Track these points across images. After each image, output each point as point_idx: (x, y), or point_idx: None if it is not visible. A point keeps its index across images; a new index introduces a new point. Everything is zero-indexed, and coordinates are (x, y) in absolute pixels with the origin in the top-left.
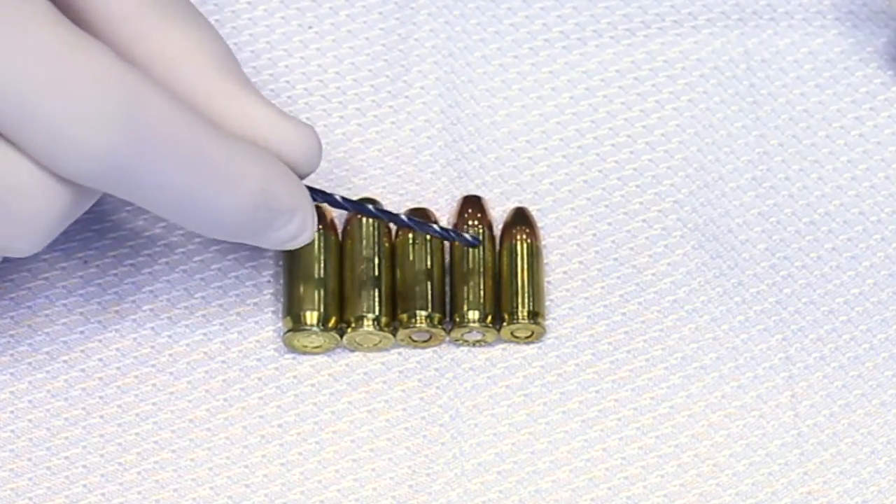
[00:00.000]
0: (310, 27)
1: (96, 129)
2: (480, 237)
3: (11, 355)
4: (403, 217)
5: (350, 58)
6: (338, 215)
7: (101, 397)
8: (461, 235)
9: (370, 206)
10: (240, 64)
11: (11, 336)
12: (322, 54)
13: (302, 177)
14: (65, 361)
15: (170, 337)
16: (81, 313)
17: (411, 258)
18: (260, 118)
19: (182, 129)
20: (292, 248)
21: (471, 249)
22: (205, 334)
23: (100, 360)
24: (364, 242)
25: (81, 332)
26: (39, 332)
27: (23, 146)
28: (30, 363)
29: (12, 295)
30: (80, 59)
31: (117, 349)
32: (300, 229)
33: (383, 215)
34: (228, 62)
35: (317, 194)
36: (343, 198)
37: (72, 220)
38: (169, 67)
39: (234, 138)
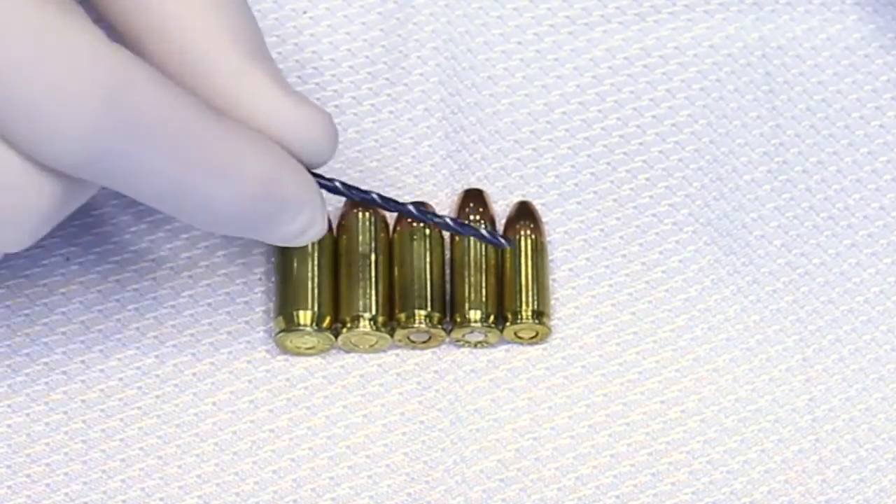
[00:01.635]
0: (304, 12)
1: (81, 113)
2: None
3: None
4: (412, 208)
5: (346, 44)
6: (332, 210)
7: (83, 401)
8: (496, 237)
9: (375, 196)
10: (262, 38)
11: None
12: (317, 41)
13: (311, 167)
14: (45, 363)
15: (156, 337)
16: (63, 313)
17: (410, 254)
18: (266, 101)
19: (172, 115)
20: (301, 244)
21: (472, 245)
22: (192, 335)
23: (82, 362)
24: (360, 238)
25: (63, 334)
26: (18, 334)
27: (4, 133)
28: (8, 365)
29: None
30: (64, 39)
31: (100, 350)
32: (308, 224)
33: (394, 207)
34: (243, 35)
35: (325, 184)
36: (383, 197)
37: (63, 215)
38: (174, 42)
39: (232, 124)
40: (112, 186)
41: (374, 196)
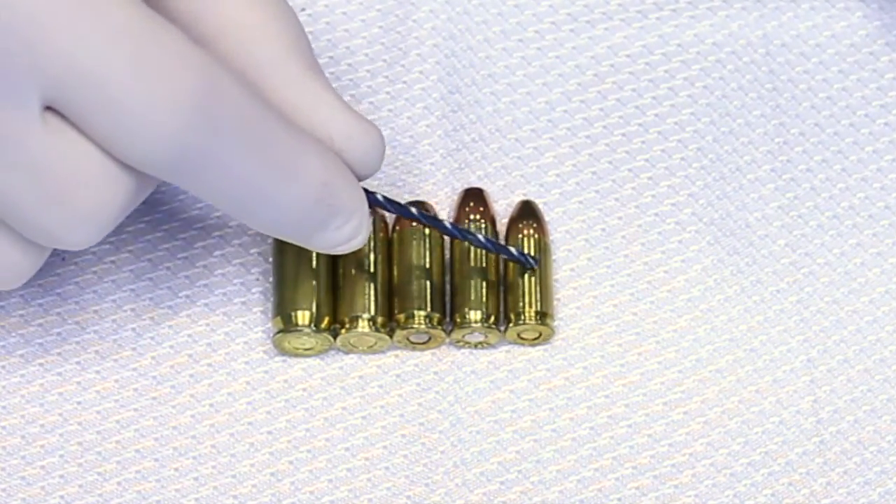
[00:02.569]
0: (302, 9)
1: (170, 112)
2: (535, 256)
3: None
4: (448, 225)
5: (345, 42)
6: None
7: (79, 403)
8: (525, 256)
9: (414, 210)
10: (311, 48)
11: None
12: (315, 38)
13: (360, 178)
14: (40, 364)
15: (152, 339)
16: (58, 314)
17: (409, 254)
18: (326, 111)
19: (252, 117)
20: (343, 252)
21: (472, 245)
22: (189, 336)
23: (77, 363)
24: None
25: (58, 334)
26: (13, 334)
27: (91, 130)
28: (3, 367)
29: None
30: (157, 42)
31: (96, 352)
32: (355, 232)
33: (432, 222)
34: (301, 46)
35: (368, 196)
36: (421, 212)
37: (127, 213)
38: (241, 47)
39: (299, 129)
40: (184, 185)
41: (413, 210)
